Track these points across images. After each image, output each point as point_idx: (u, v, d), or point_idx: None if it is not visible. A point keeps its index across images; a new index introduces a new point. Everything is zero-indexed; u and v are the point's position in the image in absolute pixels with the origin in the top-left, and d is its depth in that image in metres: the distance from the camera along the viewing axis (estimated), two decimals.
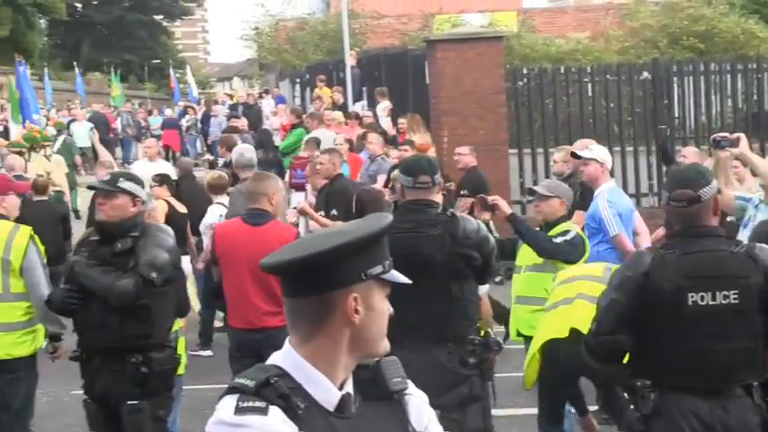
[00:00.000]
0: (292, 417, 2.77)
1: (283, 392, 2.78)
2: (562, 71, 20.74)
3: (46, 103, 38.86)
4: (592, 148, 9.62)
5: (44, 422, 9.59)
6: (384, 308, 2.93)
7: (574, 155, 9.71)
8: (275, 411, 2.76)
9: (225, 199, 12.14)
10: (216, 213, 11.72)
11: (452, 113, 18.34)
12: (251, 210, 8.32)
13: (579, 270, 7.71)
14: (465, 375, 6.52)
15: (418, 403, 3.01)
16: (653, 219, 11.37)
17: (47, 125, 29.27)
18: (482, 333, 6.75)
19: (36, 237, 8.20)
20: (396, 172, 8.44)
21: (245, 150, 12.74)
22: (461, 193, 13.99)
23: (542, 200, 8.32)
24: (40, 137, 20.64)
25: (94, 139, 27.07)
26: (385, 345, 2.95)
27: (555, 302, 7.32)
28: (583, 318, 6.19)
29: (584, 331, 5.82)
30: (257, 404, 2.77)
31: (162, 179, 12.89)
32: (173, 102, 52.49)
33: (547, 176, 16.15)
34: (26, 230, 8.13)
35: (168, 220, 10.75)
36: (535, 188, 8.74)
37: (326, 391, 2.85)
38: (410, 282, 2.97)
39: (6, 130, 30.09)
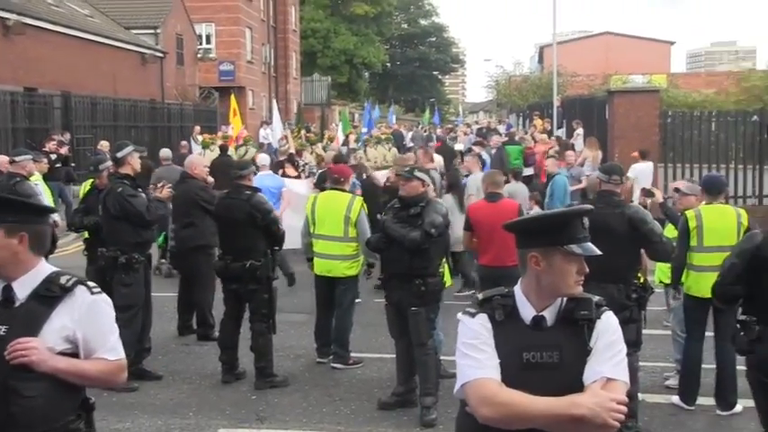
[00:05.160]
0: (491, 321, 2.75)
1: (495, 306, 2.77)
2: (696, 114, 19.71)
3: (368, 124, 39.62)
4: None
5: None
6: (564, 268, 2.75)
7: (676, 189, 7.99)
8: (481, 316, 2.76)
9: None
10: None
11: (623, 138, 17.69)
12: (491, 192, 8.16)
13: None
14: (627, 305, 6.23)
15: (599, 328, 2.76)
16: (753, 213, 10.43)
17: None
18: (641, 279, 6.45)
19: (365, 204, 8.27)
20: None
21: None
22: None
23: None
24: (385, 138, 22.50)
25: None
26: (567, 290, 2.77)
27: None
28: None
29: None
30: (472, 310, 2.80)
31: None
32: (435, 125, 52.74)
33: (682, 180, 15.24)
34: (359, 199, 8.28)
35: None
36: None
37: (527, 309, 2.78)
38: (586, 254, 2.80)
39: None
